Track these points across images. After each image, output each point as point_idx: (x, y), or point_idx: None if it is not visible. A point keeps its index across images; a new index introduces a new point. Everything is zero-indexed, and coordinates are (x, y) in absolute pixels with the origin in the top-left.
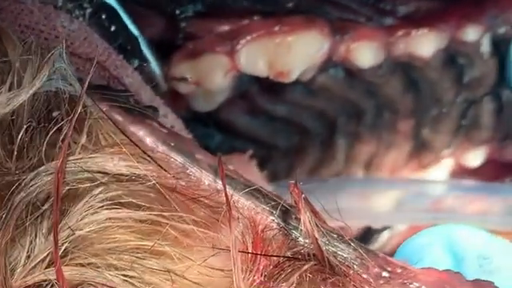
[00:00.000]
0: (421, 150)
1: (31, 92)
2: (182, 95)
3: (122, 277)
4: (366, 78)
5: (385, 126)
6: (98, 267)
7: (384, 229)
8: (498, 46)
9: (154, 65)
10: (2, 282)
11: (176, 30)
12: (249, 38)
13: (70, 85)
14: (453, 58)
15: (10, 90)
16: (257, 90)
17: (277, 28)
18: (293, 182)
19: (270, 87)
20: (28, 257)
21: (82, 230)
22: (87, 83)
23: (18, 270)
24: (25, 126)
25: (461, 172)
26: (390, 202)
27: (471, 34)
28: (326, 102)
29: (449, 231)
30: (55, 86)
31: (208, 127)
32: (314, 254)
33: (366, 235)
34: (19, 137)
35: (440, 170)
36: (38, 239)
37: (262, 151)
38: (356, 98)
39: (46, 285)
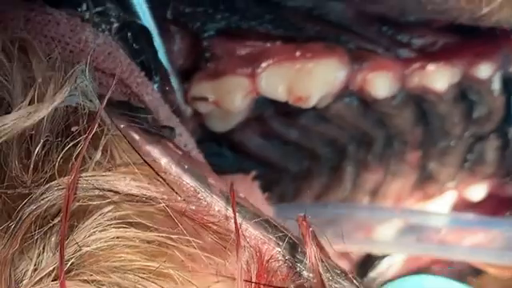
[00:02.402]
0: (426, 181)
1: (51, 107)
2: (199, 114)
3: None
4: (379, 108)
5: (393, 156)
6: (102, 285)
7: (384, 257)
8: (508, 84)
9: (174, 83)
10: None
11: (199, 50)
12: (270, 61)
13: (90, 101)
14: (464, 93)
15: (30, 104)
16: (272, 114)
17: (298, 53)
18: (301, 214)
19: (285, 111)
20: (35, 270)
21: (89, 246)
22: (106, 101)
23: (24, 282)
24: (42, 141)
25: (462, 205)
26: (391, 231)
27: (484, 70)
28: (337, 130)
29: (420, 283)
30: (75, 101)
31: (221, 147)
32: None
33: (367, 262)
34: (36, 151)
35: (443, 202)
36: (45, 253)
37: (271, 174)
38: (367, 127)
39: None
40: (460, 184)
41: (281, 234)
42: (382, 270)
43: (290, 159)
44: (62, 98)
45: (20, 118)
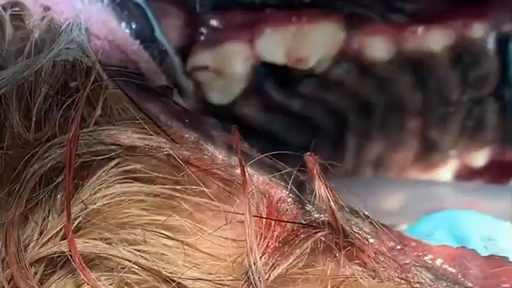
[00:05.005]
0: (428, 150)
1: (49, 57)
2: (199, 88)
3: (135, 251)
4: (377, 73)
5: (394, 125)
6: (111, 242)
7: None
8: (502, 44)
9: (172, 56)
10: (14, 254)
11: (196, 25)
12: (268, 26)
13: (87, 56)
14: (460, 55)
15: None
16: (272, 84)
17: (294, 18)
18: (308, 153)
19: (285, 81)
20: (41, 232)
21: (95, 204)
22: (99, 54)
23: (31, 244)
24: (43, 94)
25: (466, 173)
26: (396, 202)
27: (478, 31)
28: (338, 97)
29: (452, 216)
30: (72, 55)
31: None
32: (328, 223)
33: None
34: (37, 104)
35: (446, 171)
36: (51, 214)
37: (274, 148)
38: (367, 94)
39: (59, 260)
40: (462, 151)
41: (288, 177)
42: None
43: (291, 131)
44: (58, 50)
45: (18, 71)
